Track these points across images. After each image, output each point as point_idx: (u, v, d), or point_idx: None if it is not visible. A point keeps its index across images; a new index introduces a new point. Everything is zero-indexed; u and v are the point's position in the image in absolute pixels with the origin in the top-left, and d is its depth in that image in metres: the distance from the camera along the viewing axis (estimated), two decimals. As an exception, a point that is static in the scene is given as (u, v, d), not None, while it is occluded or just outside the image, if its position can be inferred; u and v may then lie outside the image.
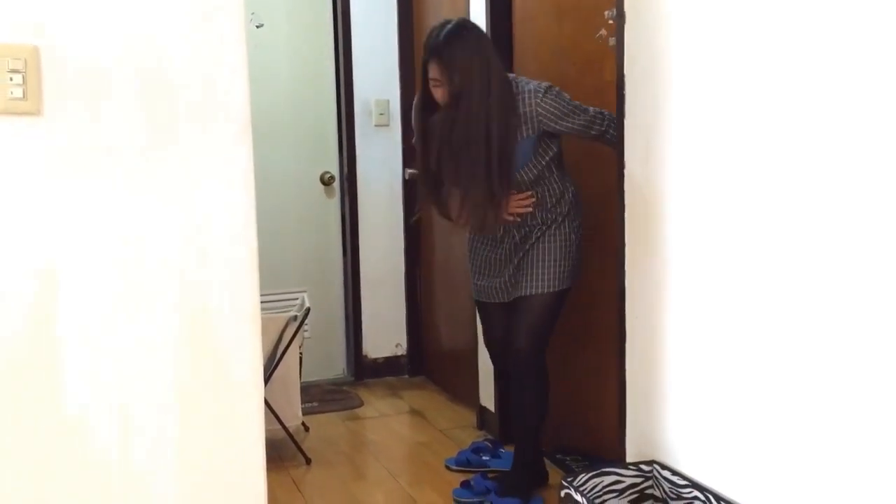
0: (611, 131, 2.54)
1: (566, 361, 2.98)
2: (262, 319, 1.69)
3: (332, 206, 4.16)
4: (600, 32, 2.72)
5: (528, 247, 2.58)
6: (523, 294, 2.61)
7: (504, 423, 3.29)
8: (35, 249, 1.49)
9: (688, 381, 2.11)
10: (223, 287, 1.63)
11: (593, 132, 2.56)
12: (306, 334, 3.39)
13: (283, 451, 3.16)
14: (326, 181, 4.12)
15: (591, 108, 2.55)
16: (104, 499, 1.57)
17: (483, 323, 2.85)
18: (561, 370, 2.99)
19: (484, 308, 2.78)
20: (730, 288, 1.93)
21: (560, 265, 2.60)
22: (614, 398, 2.49)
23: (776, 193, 1.77)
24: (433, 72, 2.43)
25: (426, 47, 2.44)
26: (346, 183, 4.10)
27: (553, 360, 3.02)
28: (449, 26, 2.43)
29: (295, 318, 3.11)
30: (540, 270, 2.59)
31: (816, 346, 1.70)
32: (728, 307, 1.95)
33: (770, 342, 1.82)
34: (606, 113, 2.55)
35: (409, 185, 4.05)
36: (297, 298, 3.49)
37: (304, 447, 3.16)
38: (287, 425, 3.10)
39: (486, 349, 2.95)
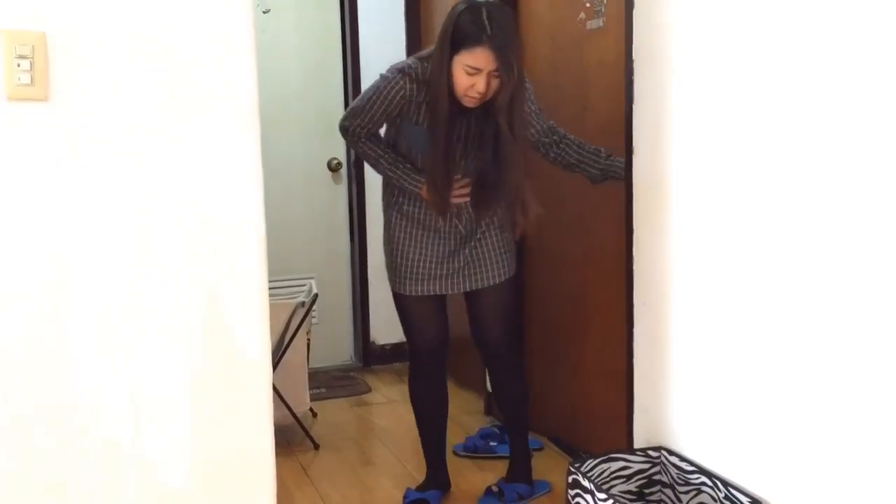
0: (563, 150, 2.52)
1: (569, 353, 2.98)
2: (270, 305, 1.70)
3: (339, 193, 4.16)
4: (580, 16, 2.71)
5: (479, 235, 2.51)
6: (491, 283, 2.53)
7: (511, 409, 3.29)
8: (44, 236, 1.49)
9: (695, 368, 2.11)
10: (232, 273, 1.63)
11: (544, 140, 2.52)
12: (314, 320, 3.40)
13: (292, 437, 3.17)
14: (334, 167, 4.12)
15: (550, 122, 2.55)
16: (115, 482, 1.59)
17: (419, 320, 2.59)
18: (565, 362, 2.99)
19: (421, 304, 2.56)
20: (737, 274, 1.93)
21: (513, 249, 2.58)
22: (620, 390, 2.49)
23: (785, 179, 1.76)
24: (483, 62, 2.20)
25: (473, 35, 2.19)
26: (354, 169, 4.10)
27: (556, 351, 3.02)
28: (494, 9, 2.22)
29: (303, 304, 3.11)
30: (501, 255, 2.53)
31: (822, 334, 1.69)
32: (736, 293, 1.94)
33: (777, 329, 1.82)
34: (560, 131, 2.54)
35: (416, 172, 4.05)
36: (304, 285, 3.50)
37: (312, 433, 3.18)
38: (295, 411, 3.11)
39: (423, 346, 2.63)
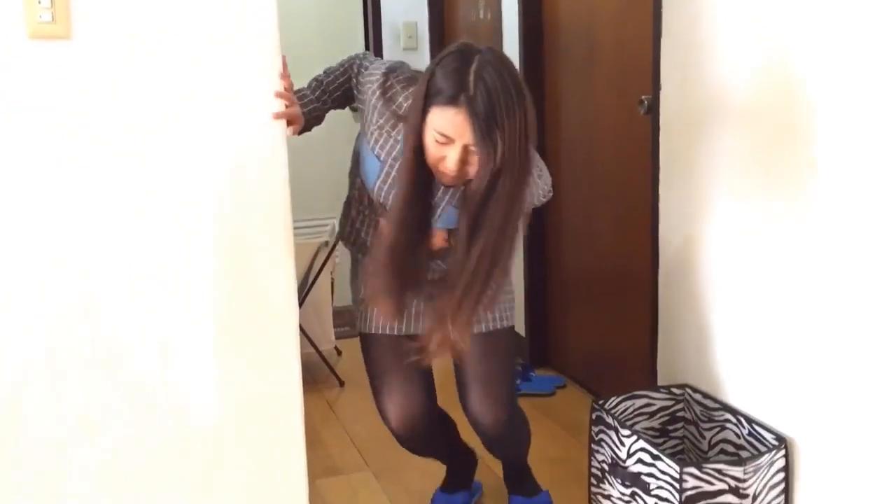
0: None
1: (592, 294, 2.97)
2: (294, 245, 1.70)
3: (360, 132, 4.14)
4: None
5: None
6: (489, 328, 1.94)
7: (534, 347, 3.32)
8: (66, 178, 1.49)
9: (721, 308, 2.10)
10: (256, 215, 1.63)
11: None
12: (337, 260, 3.41)
13: (317, 374, 3.21)
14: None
15: None
16: (146, 421, 1.62)
17: (381, 377, 1.99)
18: (587, 303, 2.99)
19: (380, 351, 1.98)
20: (765, 211, 1.90)
21: (512, 292, 2.00)
22: (644, 330, 2.49)
23: (822, 112, 1.73)
24: (454, 129, 1.57)
25: (448, 90, 1.56)
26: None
27: (578, 292, 3.01)
28: (491, 64, 1.57)
29: (326, 243, 3.13)
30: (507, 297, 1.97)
31: (847, 273, 1.68)
32: (763, 231, 1.92)
33: (803, 270, 1.80)
34: None
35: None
36: (327, 224, 3.50)
37: (337, 370, 3.22)
38: (320, 349, 3.15)
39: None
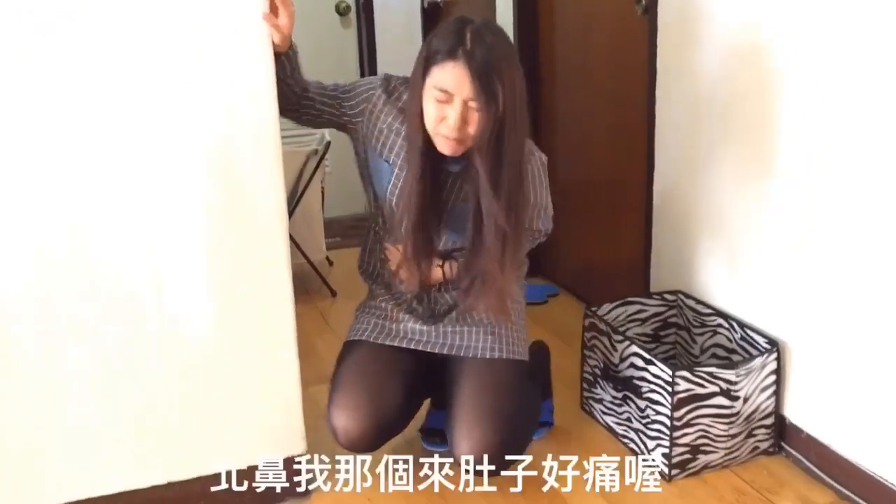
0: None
1: (586, 202, 2.95)
2: (283, 153, 1.67)
3: (348, 38, 4.03)
4: None
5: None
6: (479, 355, 1.82)
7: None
8: (55, 98, 1.46)
9: (714, 214, 2.09)
10: (244, 122, 1.60)
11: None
12: (327, 169, 3.36)
13: (309, 285, 3.21)
14: (342, 11, 3.98)
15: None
16: (138, 335, 1.62)
17: (345, 398, 1.78)
18: (580, 211, 2.97)
19: (358, 360, 1.83)
20: (759, 114, 1.87)
21: (524, 329, 1.93)
22: (637, 238, 2.47)
23: (817, 26, 1.67)
24: (454, 82, 1.59)
25: (447, 47, 1.60)
26: (363, 12, 3.96)
27: (571, 200, 2.99)
28: (486, 27, 1.63)
29: (315, 151, 3.08)
30: (504, 326, 1.87)
31: (834, 178, 1.66)
32: (757, 135, 1.89)
33: (793, 176, 1.78)
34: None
35: (428, 14, 3.90)
36: (316, 133, 3.44)
37: (329, 280, 3.21)
38: (311, 259, 3.14)
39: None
